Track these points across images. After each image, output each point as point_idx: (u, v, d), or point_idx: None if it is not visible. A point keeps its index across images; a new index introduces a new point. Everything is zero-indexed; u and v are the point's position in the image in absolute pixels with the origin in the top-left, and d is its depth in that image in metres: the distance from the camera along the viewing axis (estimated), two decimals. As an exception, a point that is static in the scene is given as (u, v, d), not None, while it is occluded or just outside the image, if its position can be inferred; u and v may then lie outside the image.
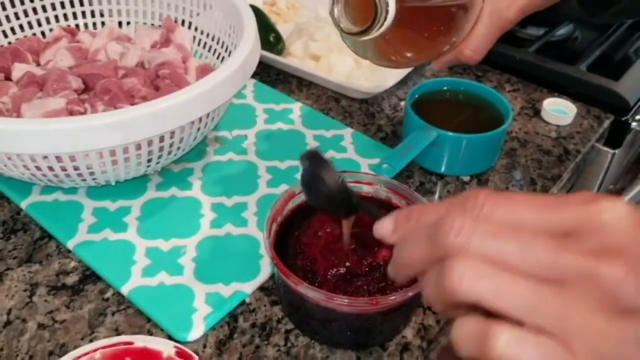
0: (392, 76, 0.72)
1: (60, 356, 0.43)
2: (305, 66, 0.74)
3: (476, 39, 0.48)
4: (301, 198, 0.49)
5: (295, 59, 0.76)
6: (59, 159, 0.48)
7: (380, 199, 0.50)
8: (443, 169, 0.62)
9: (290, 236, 0.47)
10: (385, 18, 0.43)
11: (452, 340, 0.25)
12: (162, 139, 0.50)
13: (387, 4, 0.43)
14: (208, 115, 0.52)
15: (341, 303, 0.41)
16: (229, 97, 0.52)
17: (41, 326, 0.47)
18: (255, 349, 0.46)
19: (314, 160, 0.40)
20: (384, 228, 0.31)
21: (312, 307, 0.43)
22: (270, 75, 0.76)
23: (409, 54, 0.49)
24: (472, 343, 0.24)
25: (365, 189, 0.51)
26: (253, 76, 0.60)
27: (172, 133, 0.50)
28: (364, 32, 0.44)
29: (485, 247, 0.24)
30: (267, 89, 0.72)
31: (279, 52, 0.76)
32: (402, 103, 0.72)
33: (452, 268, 0.24)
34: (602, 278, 0.23)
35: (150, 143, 0.50)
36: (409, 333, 0.47)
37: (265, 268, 0.50)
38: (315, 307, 0.43)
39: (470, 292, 0.24)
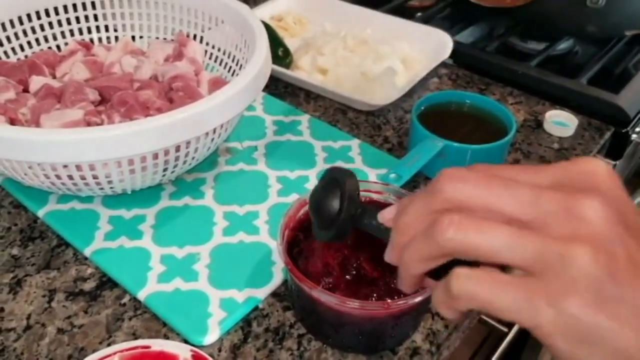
0: (397, 89, 0.73)
1: (79, 359, 0.44)
2: (313, 79, 0.76)
3: None
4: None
5: (303, 72, 0.78)
6: (78, 167, 0.49)
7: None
8: (449, 179, 0.63)
9: (302, 243, 0.48)
10: None
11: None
12: (177, 148, 0.52)
13: None
14: (222, 126, 0.54)
15: (353, 307, 0.42)
16: (244, 107, 0.54)
17: (60, 331, 0.48)
18: (269, 352, 0.47)
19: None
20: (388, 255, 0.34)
21: (325, 311, 0.44)
22: (279, 88, 0.78)
23: None
24: (441, 295, 0.28)
25: (375, 198, 0.52)
26: (262, 89, 0.61)
27: (188, 143, 0.52)
28: None
29: (469, 195, 0.27)
30: (275, 102, 0.74)
31: (287, 66, 0.78)
32: (408, 115, 0.74)
33: (441, 221, 0.27)
34: (579, 213, 0.25)
35: (166, 153, 0.51)
36: (418, 338, 0.48)
37: (278, 274, 0.52)
38: (328, 311, 0.44)
39: (456, 238, 0.27)
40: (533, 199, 0.26)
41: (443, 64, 0.83)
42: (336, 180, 0.39)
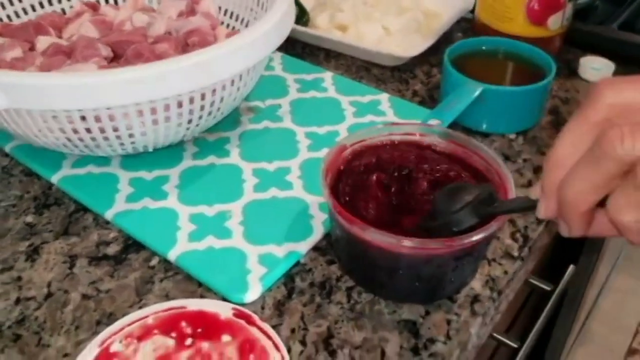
0: (423, 42, 0.69)
1: (108, 325, 0.40)
2: (334, 36, 0.72)
3: None
4: (353, 150, 0.47)
5: (322, 31, 0.74)
6: (97, 118, 0.45)
7: (439, 151, 0.47)
8: (485, 126, 0.59)
9: (345, 187, 0.44)
10: None
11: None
12: (203, 96, 0.48)
13: None
14: (248, 72, 0.50)
15: (411, 246, 0.38)
16: (271, 50, 0.50)
17: (85, 297, 0.44)
18: (317, 307, 0.43)
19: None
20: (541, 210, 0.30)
21: (378, 255, 0.40)
22: (296, 48, 0.74)
23: None
24: (628, 191, 0.24)
25: (417, 140, 0.48)
26: (279, 49, 0.57)
27: (213, 91, 0.48)
28: None
29: (633, 97, 0.24)
30: (295, 61, 0.70)
31: (304, 25, 0.74)
32: (435, 69, 0.70)
33: (610, 135, 0.23)
34: None
35: (191, 100, 0.47)
36: (477, 285, 0.44)
37: (318, 228, 0.48)
38: (381, 254, 0.40)
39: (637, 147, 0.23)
40: None
41: (465, 19, 0.79)
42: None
